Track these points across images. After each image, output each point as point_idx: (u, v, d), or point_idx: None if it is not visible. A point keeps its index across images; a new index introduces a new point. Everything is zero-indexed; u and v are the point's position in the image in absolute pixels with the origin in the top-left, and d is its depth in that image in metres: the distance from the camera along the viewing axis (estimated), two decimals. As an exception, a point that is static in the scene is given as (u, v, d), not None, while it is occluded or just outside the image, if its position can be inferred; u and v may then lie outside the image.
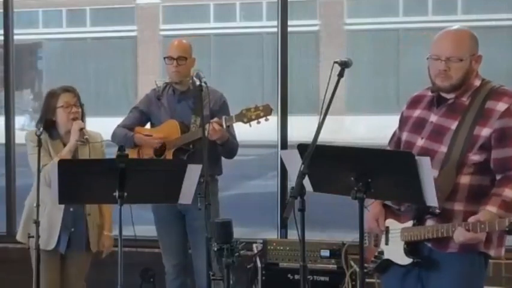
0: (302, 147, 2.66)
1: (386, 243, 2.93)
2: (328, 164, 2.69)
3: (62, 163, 3.06)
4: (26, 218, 3.73)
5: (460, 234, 2.58)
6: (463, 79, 2.69)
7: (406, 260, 2.82)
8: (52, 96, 3.68)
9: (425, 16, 11.84)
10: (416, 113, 2.89)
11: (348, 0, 12.88)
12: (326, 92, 2.65)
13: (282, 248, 4.05)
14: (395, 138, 3.06)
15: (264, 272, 3.99)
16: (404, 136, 2.91)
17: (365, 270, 2.97)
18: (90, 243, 3.73)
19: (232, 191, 7.73)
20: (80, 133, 3.59)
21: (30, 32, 13.87)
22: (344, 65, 2.69)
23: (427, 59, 2.76)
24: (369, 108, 11.57)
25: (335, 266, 3.92)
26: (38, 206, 3.38)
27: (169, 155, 3.80)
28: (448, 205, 2.69)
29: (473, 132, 2.66)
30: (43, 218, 3.52)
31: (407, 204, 2.84)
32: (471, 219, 2.56)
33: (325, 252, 3.95)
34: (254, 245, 4.21)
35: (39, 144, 3.45)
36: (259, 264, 4.03)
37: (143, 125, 4.02)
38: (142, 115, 4.00)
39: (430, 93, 2.86)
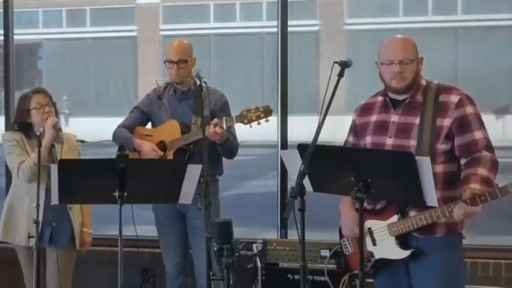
0: (302, 147, 2.68)
1: (374, 244, 2.98)
2: (328, 164, 2.70)
3: (62, 163, 3.07)
4: (6, 217, 3.77)
5: (462, 210, 2.70)
6: (413, 79, 2.93)
7: (403, 254, 2.90)
8: (24, 99, 3.76)
9: (425, 16, 11.83)
10: (374, 118, 3.05)
11: (348, 0, 12.89)
12: (326, 92, 2.67)
13: (282, 248, 4.05)
14: (350, 146, 3.15)
15: (264, 272, 3.99)
16: (369, 139, 3.03)
17: (369, 273, 3.02)
18: (76, 238, 3.76)
19: (232, 191, 7.73)
20: (54, 129, 3.63)
21: (30, 32, 13.88)
22: (344, 65, 2.74)
23: (380, 65, 2.97)
24: (369, 108, 11.52)
25: (335, 266, 3.92)
26: (38, 206, 3.38)
27: (169, 155, 3.80)
28: None
29: (436, 124, 2.86)
30: (22, 215, 3.61)
31: (383, 202, 2.95)
32: (467, 195, 2.70)
33: (325, 252, 3.95)
34: (254, 245, 4.21)
35: (39, 144, 3.47)
36: (259, 264, 4.03)
37: (144, 125, 4.02)
38: (143, 115, 4.00)
39: (379, 99, 3.05)
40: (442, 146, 2.86)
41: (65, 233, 3.73)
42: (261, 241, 4.15)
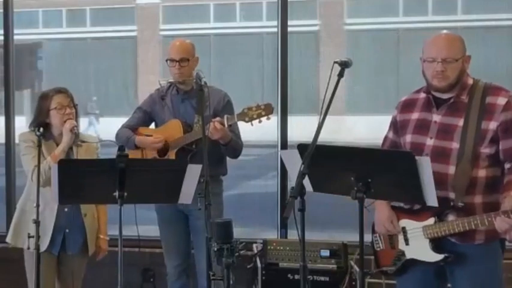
0: (302, 147, 2.67)
1: (407, 244, 2.96)
2: (328, 164, 2.70)
3: (62, 163, 3.06)
4: (17, 220, 3.71)
5: (504, 223, 2.64)
6: (458, 78, 2.82)
7: (435, 257, 2.87)
8: (45, 98, 3.65)
9: (425, 16, 11.82)
10: (415, 115, 2.97)
11: (348, 0, 12.87)
12: (326, 92, 2.66)
13: (282, 248, 4.06)
14: (389, 143, 3.11)
15: (264, 272, 3.99)
16: (409, 138, 2.96)
17: (388, 272, 3.02)
18: (89, 246, 3.70)
19: (233, 191, 7.72)
20: (72, 132, 3.56)
21: (30, 32, 13.86)
22: (344, 65, 2.72)
23: (423, 62, 2.86)
24: (369, 108, 11.56)
25: (335, 266, 3.93)
26: (37, 206, 3.37)
27: (172, 155, 3.80)
28: (467, 199, 2.77)
29: (481, 127, 2.77)
30: (33, 217, 3.47)
31: None
32: (506, 206, 2.63)
33: (325, 252, 3.95)
34: (254, 245, 4.22)
35: (39, 144, 3.45)
36: (259, 264, 4.03)
37: (147, 125, 4.02)
38: (146, 115, 4.00)
39: (422, 96, 2.96)
40: (486, 150, 2.78)
41: (78, 239, 3.67)
42: (261, 241, 4.16)
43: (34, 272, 3.44)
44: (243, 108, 3.65)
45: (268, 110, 3.64)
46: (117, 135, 3.96)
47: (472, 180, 2.78)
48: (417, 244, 2.91)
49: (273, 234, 4.70)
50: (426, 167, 2.53)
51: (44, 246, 3.55)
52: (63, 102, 3.62)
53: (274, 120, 3.70)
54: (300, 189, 2.55)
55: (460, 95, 2.85)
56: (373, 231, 3.15)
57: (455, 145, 2.80)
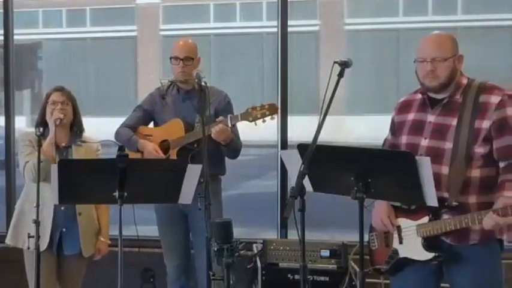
0: (302, 147, 2.67)
1: (401, 242, 2.96)
2: (328, 164, 2.70)
3: (61, 163, 3.06)
4: (15, 221, 3.71)
5: (491, 221, 2.62)
6: (449, 78, 2.82)
7: (426, 256, 2.86)
8: (45, 97, 3.71)
9: (425, 16, 11.83)
10: (411, 116, 2.97)
11: (348, 0, 12.87)
12: (326, 92, 2.66)
13: (282, 248, 4.05)
14: (387, 145, 3.12)
15: (264, 272, 3.99)
16: (405, 139, 2.97)
17: (381, 270, 3.01)
18: (82, 246, 3.65)
19: (232, 191, 7.72)
20: (55, 124, 3.56)
21: (30, 32, 13.87)
22: (344, 65, 2.72)
23: (414, 62, 2.87)
24: (369, 108, 11.55)
25: (335, 266, 3.93)
26: (37, 206, 3.36)
27: (173, 154, 3.80)
28: (462, 198, 2.76)
29: (474, 126, 2.76)
30: (32, 218, 3.45)
31: None
32: (499, 204, 2.62)
33: (325, 252, 3.95)
34: (254, 245, 4.21)
35: (40, 144, 3.45)
36: (259, 264, 4.03)
37: (147, 124, 4.02)
38: (146, 114, 4.00)
39: (418, 97, 2.96)
40: (480, 149, 2.76)
41: (75, 239, 3.64)
42: (261, 241, 4.16)
43: (34, 271, 3.43)
44: (247, 108, 3.66)
45: (272, 110, 3.64)
46: (118, 134, 3.96)
47: (466, 180, 2.77)
48: (410, 243, 2.91)
49: (273, 234, 4.70)
50: (426, 167, 2.53)
51: (43, 246, 3.54)
52: (57, 99, 3.65)
53: (274, 120, 3.70)
54: (300, 189, 2.55)
55: (454, 95, 2.85)
56: (370, 230, 3.15)
57: (448, 145, 2.80)
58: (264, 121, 3.63)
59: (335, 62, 2.72)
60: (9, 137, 5.00)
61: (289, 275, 3.94)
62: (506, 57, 8.82)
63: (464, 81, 2.87)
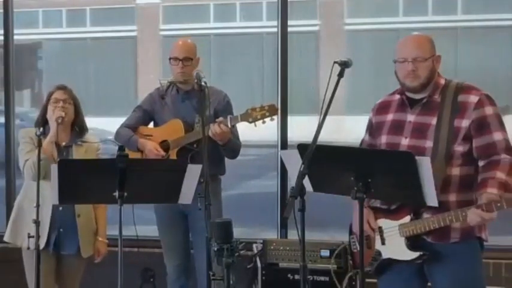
0: (302, 147, 2.68)
1: (383, 243, 2.96)
2: (328, 164, 2.70)
3: (61, 163, 3.06)
4: (14, 218, 3.71)
5: (476, 216, 2.65)
6: (429, 78, 2.87)
7: (411, 255, 2.87)
8: (48, 95, 3.70)
9: (425, 16, 11.81)
10: (390, 117, 3.01)
11: (348, 0, 12.87)
12: (326, 92, 2.67)
13: (282, 248, 4.06)
14: (366, 145, 3.13)
15: (264, 272, 3.99)
16: (385, 139, 2.99)
17: (368, 273, 3.01)
18: (81, 247, 3.66)
19: (232, 191, 7.72)
20: (56, 122, 3.56)
21: (30, 32, 13.86)
22: (344, 65, 2.73)
23: (394, 62, 2.92)
24: (369, 108, 11.52)
25: (335, 266, 3.92)
26: (38, 206, 3.36)
27: (173, 154, 3.80)
28: (442, 197, 2.76)
29: (454, 125, 2.80)
30: (31, 215, 3.44)
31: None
32: (484, 200, 2.64)
33: (325, 252, 3.95)
34: (254, 245, 4.21)
35: (40, 144, 3.45)
36: (259, 264, 4.03)
37: (146, 124, 4.03)
38: (146, 114, 4.00)
39: (396, 97, 3.01)
40: (459, 148, 2.81)
41: (73, 240, 3.64)
42: (261, 241, 4.16)
43: (34, 271, 3.42)
44: (246, 109, 3.66)
45: (272, 111, 3.64)
46: (118, 134, 3.96)
47: (447, 179, 2.80)
48: (393, 243, 2.92)
49: (273, 234, 4.70)
50: (426, 167, 2.53)
51: (42, 245, 3.53)
52: (59, 97, 3.65)
53: (274, 121, 3.70)
54: (300, 189, 2.55)
55: (433, 95, 2.89)
56: (351, 233, 3.16)
57: (429, 144, 2.83)
58: (263, 122, 3.64)
59: (335, 62, 2.74)
60: (9, 137, 5.00)
61: (289, 275, 3.94)
62: (506, 57, 8.81)
63: (442, 81, 2.93)
